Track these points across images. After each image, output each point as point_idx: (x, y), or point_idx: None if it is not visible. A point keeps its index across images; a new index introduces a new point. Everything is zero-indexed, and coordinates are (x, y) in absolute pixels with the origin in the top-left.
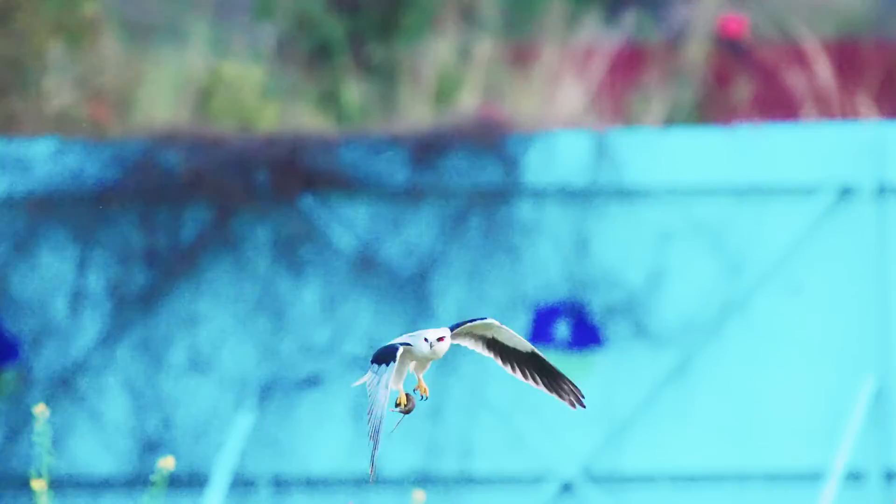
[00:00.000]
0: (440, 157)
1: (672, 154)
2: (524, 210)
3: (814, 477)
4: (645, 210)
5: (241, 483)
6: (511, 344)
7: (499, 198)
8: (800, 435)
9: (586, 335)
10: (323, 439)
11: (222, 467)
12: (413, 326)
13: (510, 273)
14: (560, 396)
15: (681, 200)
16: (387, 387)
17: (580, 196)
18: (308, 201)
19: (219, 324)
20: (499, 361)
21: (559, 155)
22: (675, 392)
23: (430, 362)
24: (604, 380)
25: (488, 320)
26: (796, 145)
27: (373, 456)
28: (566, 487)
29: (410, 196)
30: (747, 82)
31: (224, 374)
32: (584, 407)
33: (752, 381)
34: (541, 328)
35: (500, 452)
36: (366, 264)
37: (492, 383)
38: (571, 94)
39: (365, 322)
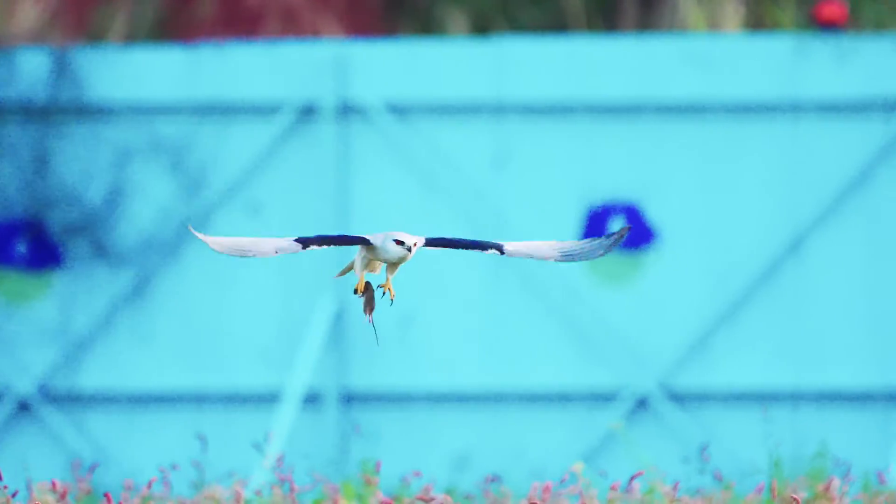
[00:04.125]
0: None
1: (134, 71)
2: None
3: (271, 399)
4: (106, 128)
5: None
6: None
7: None
8: (259, 356)
9: (45, 254)
10: None
11: None
12: None
13: None
14: (484, 249)
15: (142, 118)
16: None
17: (40, 113)
18: None
19: None
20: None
21: (19, 71)
22: (134, 312)
23: (399, 266)
24: (62, 298)
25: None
26: (258, 63)
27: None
28: (23, 406)
29: None
30: None
31: None
32: (503, 253)
33: (212, 301)
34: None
35: None
36: None
37: None
38: (32, 9)
39: None
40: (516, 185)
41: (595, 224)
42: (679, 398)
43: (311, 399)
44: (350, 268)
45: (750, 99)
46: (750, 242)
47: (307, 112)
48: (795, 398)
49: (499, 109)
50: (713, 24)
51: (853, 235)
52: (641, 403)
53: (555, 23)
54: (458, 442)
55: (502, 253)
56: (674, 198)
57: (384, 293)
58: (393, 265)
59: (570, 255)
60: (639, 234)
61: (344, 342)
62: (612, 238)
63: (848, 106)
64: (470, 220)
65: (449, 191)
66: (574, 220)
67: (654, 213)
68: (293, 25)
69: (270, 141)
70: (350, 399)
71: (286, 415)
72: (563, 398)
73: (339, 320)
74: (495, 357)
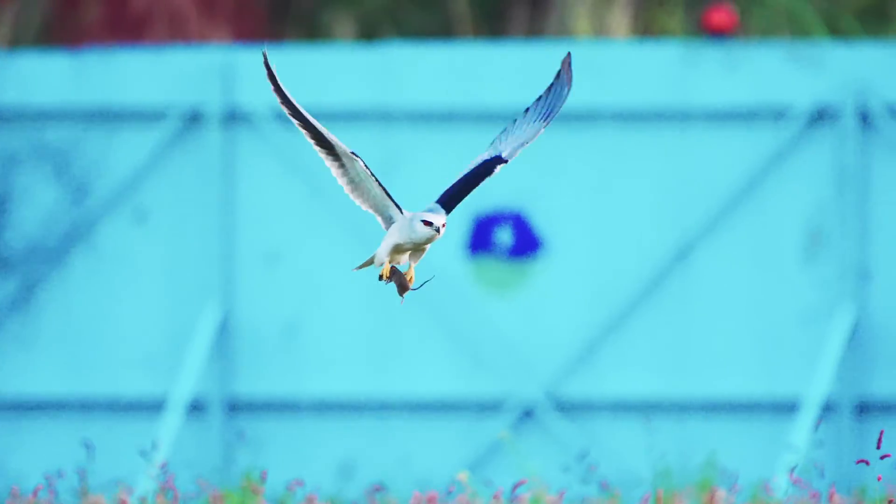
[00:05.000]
0: None
1: (19, 77)
2: None
3: (157, 406)
4: None
5: None
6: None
7: None
8: (144, 363)
9: None
10: None
11: None
12: None
13: None
14: (490, 172)
15: (27, 124)
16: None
17: None
18: None
19: None
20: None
21: None
22: (19, 318)
23: (427, 247)
24: None
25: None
26: (144, 69)
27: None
28: None
29: None
30: (96, 4)
31: None
32: (507, 161)
33: (97, 308)
34: None
35: None
36: None
37: None
38: None
39: None
40: (404, 192)
41: (482, 232)
42: (565, 408)
43: (196, 407)
44: (370, 262)
45: (638, 106)
46: (637, 251)
47: (193, 118)
48: (682, 408)
49: (386, 116)
50: (601, 31)
51: (740, 244)
52: (528, 413)
53: (442, 29)
54: (343, 450)
55: (506, 161)
56: (561, 206)
57: (387, 280)
58: (418, 249)
59: (545, 111)
60: (525, 242)
61: (229, 350)
62: (560, 78)
63: (736, 114)
64: (356, 228)
65: (335, 197)
66: (461, 227)
67: (541, 222)
68: (180, 31)
69: (156, 147)
70: (235, 407)
71: (171, 422)
72: (449, 407)
73: (224, 328)
74: (381, 365)
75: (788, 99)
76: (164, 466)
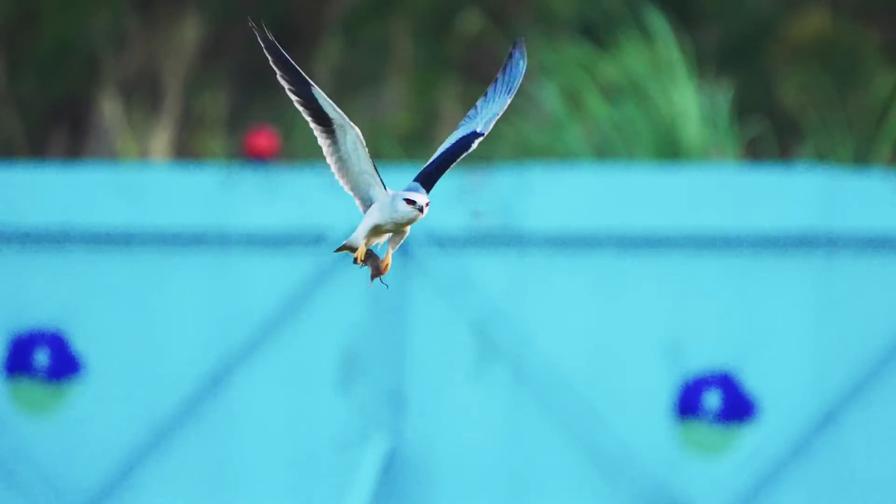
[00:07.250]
0: None
1: None
2: None
3: None
4: None
5: None
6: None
7: None
8: None
9: None
10: None
11: None
12: None
13: None
14: (468, 146)
15: None
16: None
17: None
18: None
19: None
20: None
21: None
22: None
23: (407, 230)
24: None
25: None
26: None
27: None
28: None
29: None
30: None
31: None
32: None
33: None
34: None
35: None
36: None
37: None
38: None
39: None
40: None
41: (19, 351)
42: None
43: None
44: (349, 246)
45: (177, 229)
46: (175, 374)
47: None
48: None
49: None
50: (143, 153)
51: (277, 369)
52: None
53: None
54: None
55: (482, 134)
56: (102, 326)
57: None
58: (398, 232)
59: (508, 86)
60: (64, 363)
61: None
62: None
63: (275, 238)
64: None
65: None
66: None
67: (81, 341)
68: None
69: None
70: None
71: None
72: None
73: None
74: None
75: (327, 223)
76: None
